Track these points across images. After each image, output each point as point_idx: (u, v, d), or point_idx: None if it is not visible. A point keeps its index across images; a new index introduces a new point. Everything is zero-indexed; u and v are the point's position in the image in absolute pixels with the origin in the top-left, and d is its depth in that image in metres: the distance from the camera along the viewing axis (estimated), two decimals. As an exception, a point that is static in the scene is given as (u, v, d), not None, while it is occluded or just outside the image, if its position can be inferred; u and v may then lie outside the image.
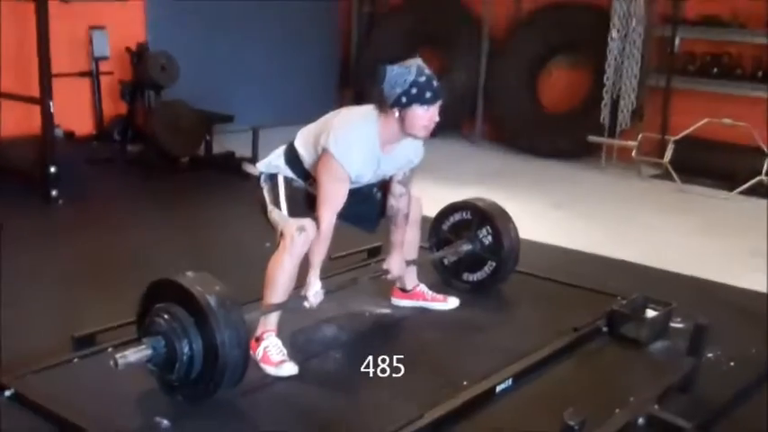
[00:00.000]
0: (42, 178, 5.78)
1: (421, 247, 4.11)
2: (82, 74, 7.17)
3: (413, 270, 4.03)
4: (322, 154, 3.31)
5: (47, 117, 5.75)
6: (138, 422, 2.97)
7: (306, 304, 3.39)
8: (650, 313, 3.86)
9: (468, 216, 4.23)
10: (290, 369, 3.30)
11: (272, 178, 3.51)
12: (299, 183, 3.49)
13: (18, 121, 6.35)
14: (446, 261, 4.31)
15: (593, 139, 7.53)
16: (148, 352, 2.89)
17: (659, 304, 3.90)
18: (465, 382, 3.24)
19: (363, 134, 3.31)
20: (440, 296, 4.07)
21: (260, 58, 8.58)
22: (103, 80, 7.30)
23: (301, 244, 3.33)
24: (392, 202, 3.70)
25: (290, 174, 3.48)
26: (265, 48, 8.60)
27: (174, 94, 7.11)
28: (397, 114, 3.26)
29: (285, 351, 3.35)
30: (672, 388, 3.18)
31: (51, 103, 5.72)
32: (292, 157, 3.47)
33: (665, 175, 7.09)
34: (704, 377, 3.33)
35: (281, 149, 3.53)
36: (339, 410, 3.10)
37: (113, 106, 7.43)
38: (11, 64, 6.39)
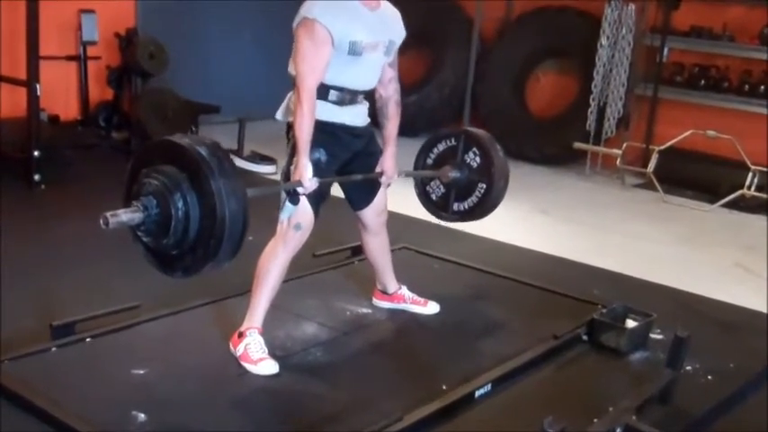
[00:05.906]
0: (25, 162, 5.73)
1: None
2: (69, 58, 7.09)
3: (391, 273, 3.99)
4: (297, 26, 3.14)
5: (33, 100, 5.69)
6: (115, 415, 2.92)
7: (301, 190, 3.22)
8: (630, 323, 3.88)
9: (453, 143, 4.08)
10: (270, 368, 3.26)
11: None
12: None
13: (2, 103, 6.28)
14: (433, 196, 4.18)
15: (578, 145, 7.55)
16: (140, 215, 2.70)
17: (639, 314, 3.91)
18: (444, 386, 3.24)
19: None
20: (420, 300, 4.02)
21: (248, 49, 8.54)
22: (91, 65, 7.22)
23: (297, 239, 3.34)
24: (380, 91, 3.54)
25: None
26: (254, 39, 8.56)
27: (160, 82, 7.05)
28: None
29: (266, 349, 3.32)
30: (650, 399, 3.20)
31: (38, 87, 5.66)
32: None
33: (649, 185, 7.12)
34: (682, 390, 3.35)
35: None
36: (317, 410, 3.09)
37: (100, 92, 7.35)
38: (-1, 45, 6.33)
